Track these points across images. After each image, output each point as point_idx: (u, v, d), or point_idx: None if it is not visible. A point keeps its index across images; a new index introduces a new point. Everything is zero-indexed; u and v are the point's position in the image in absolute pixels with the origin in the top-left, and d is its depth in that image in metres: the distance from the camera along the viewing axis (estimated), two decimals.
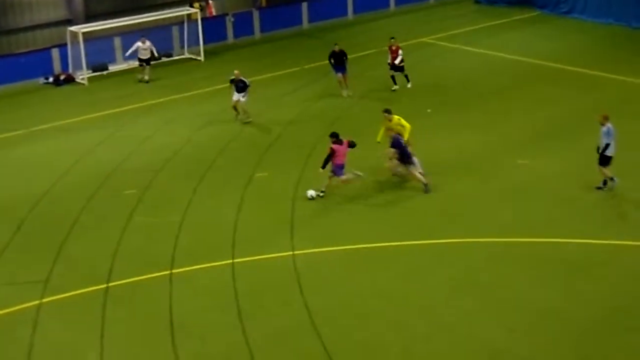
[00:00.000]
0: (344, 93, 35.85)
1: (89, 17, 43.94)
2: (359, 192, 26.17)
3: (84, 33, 39.74)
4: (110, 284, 21.51)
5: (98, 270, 22.20)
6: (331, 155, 25.45)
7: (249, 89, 32.87)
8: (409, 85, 36.47)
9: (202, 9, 45.31)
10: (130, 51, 39.90)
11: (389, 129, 27.03)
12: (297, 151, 29.59)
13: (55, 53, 41.06)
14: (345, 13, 50.31)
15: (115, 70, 41.57)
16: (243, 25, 46.28)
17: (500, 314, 19.63)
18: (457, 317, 19.51)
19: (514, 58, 40.64)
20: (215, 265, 22.24)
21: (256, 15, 47.00)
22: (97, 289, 21.28)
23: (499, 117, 32.80)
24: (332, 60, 35.91)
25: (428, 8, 52.55)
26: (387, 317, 19.65)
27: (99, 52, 41.06)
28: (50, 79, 40.40)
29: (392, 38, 36.76)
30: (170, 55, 43.57)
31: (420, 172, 26.21)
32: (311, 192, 25.80)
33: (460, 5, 52.38)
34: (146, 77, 39.60)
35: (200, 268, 22.20)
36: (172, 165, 29.04)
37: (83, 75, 40.06)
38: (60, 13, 44.39)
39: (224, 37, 45.79)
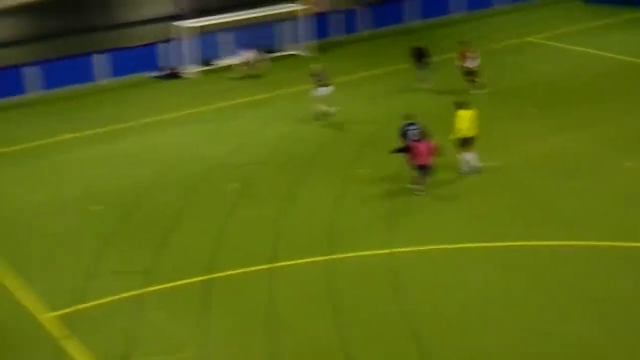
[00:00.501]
0: (424, 85, 36.25)
1: (199, 12, 44.71)
2: (458, 191, 26.08)
3: (192, 28, 40.47)
4: (212, 276, 21.93)
5: (200, 261, 22.65)
6: (407, 148, 25.48)
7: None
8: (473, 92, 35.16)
9: (310, 5, 45.60)
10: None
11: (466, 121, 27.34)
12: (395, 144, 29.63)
13: (164, 47, 41.94)
14: (448, 11, 50.12)
15: (222, 65, 42.20)
16: (349, 22, 46.45)
17: (601, 317, 19.31)
18: (554, 320, 19.27)
19: (621, 58, 39.84)
20: (313, 261, 22.45)
21: (361, 12, 47.09)
22: (198, 280, 21.72)
23: (606, 117, 32.17)
24: (414, 56, 36.39)
25: (533, 7, 51.82)
26: (482, 318, 19.54)
27: (207, 47, 41.73)
28: (159, 73, 41.29)
29: (462, 42, 36.30)
30: (277, 51, 43.96)
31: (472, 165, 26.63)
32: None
33: (567, 4, 51.54)
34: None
35: (299, 262, 22.45)
36: (274, 160, 29.38)
37: (190, 70, 40.79)
38: (170, 8, 45.31)
39: (331, 34, 46.02)
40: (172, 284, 21.67)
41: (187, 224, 25.07)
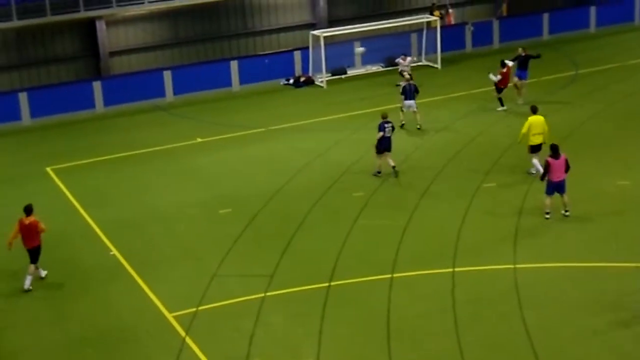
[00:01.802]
0: (519, 101, 35.47)
1: (332, 22, 45.18)
2: (587, 210, 25.46)
3: (325, 37, 40.85)
4: (333, 283, 22.05)
5: (322, 268, 22.81)
6: (546, 168, 24.82)
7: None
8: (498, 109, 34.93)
9: (442, 17, 45.52)
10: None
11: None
12: (528, 163, 29.22)
13: (297, 55, 42.47)
14: (587, 25, 48.91)
15: (354, 75, 42.42)
16: (482, 35, 46.02)
17: None
18: None
19: None
20: (435, 273, 22.32)
21: (496, 24, 46.65)
22: (319, 287, 21.86)
23: None
24: (517, 63, 35.94)
25: None
26: (604, 338, 19.05)
27: (339, 56, 42.03)
28: (291, 81, 41.82)
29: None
30: None
31: None
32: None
33: None
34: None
35: (421, 274, 22.36)
36: (401, 170, 29.32)
37: (322, 78, 41.17)
38: (305, 17, 45.92)
39: (463, 46, 45.74)
40: (293, 289, 21.89)
41: (312, 230, 25.29)
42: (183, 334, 19.99)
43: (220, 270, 23.01)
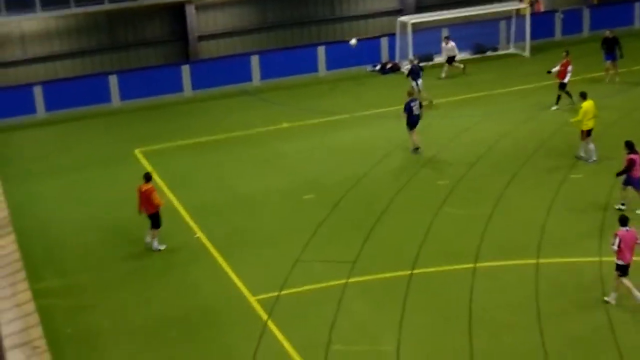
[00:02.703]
0: (615, 79, 36.14)
1: (419, 8, 44.95)
2: None
3: (413, 23, 40.66)
4: (415, 271, 22.02)
5: (404, 256, 22.79)
6: (630, 166, 24.33)
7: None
8: (553, 108, 33.78)
9: (531, 4, 44.93)
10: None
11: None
12: (615, 155, 28.71)
13: (384, 42, 42.37)
14: None
15: (441, 62, 42.16)
16: (572, 22, 45.28)
17: None
18: None
19: None
20: (519, 264, 22.12)
21: (586, 12, 45.85)
22: (401, 275, 21.85)
23: None
24: (604, 47, 36.31)
25: None
26: None
27: (426, 43, 41.79)
28: (377, 67, 41.76)
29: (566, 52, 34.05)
30: (495, 49, 43.64)
31: None
32: None
33: None
34: (443, 75, 39.93)
35: (504, 265, 22.18)
36: (487, 159, 29.11)
37: (408, 65, 40.93)
38: (392, 3, 45.79)
39: (552, 34, 45.08)
40: (376, 276, 21.93)
41: (396, 218, 25.26)
42: (265, 317, 20.19)
43: (303, 256, 23.16)
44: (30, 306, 9.30)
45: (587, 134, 28.10)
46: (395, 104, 35.77)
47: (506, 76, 39.32)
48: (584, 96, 28.38)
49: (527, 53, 42.62)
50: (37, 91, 37.59)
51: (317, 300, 20.95)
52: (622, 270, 19.78)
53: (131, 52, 41.83)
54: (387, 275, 21.92)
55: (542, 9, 47.13)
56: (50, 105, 37.58)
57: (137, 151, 32.11)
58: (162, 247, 24.13)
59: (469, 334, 19.12)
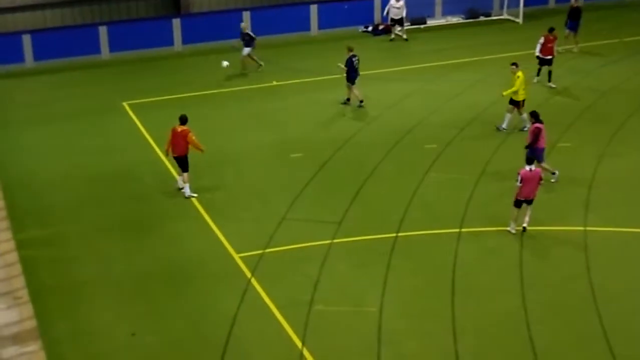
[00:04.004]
0: (574, 49, 36.13)
1: None
2: None
3: None
4: (399, 234, 22.05)
5: (390, 219, 22.81)
6: (537, 135, 24.28)
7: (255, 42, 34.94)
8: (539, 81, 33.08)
9: None
10: (385, 11, 40.23)
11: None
12: (605, 125, 28.74)
13: (377, 2, 42.07)
14: None
15: (433, 25, 41.95)
16: None
17: None
18: None
19: None
20: (502, 230, 22.15)
21: None
22: (386, 237, 21.89)
23: None
24: (569, 16, 36.66)
25: None
26: None
27: (420, 6, 41.49)
28: (369, 28, 41.52)
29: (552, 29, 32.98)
30: (488, 15, 43.40)
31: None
32: None
33: None
34: (404, 36, 39.74)
35: (488, 230, 22.23)
36: (476, 123, 29.06)
37: (400, 28, 40.76)
38: None
39: (545, 1, 44.84)
40: (360, 237, 21.95)
41: (382, 180, 25.24)
42: (249, 275, 20.21)
43: (289, 214, 23.14)
44: (13, 256, 9.14)
45: (522, 103, 28.21)
46: (385, 67, 35.77)
47: (498, 42, 39.14)
48: (516, 65, 28.38)
49: (520, 20, 42.44)
50: (26, 40, 37.20)
51: (301, 260, 20.98)
52: (517, 204, 21.76)
53: (121, 3, 41.30)
54: (372, 237, 21.95)
55: None
56: (38, 55, 37.22)
57: (125, 104, 31.88)
58: (195, 195, 24.31)
59: (452, 298, 19.22)
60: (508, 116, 28.38)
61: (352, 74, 30.82)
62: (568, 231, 22.10)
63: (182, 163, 24.30)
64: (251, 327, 18.41)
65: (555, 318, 18.52)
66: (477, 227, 22.32)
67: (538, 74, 33.06)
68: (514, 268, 20.37)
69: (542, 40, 32.72)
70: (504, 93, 28.28)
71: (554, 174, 24.71)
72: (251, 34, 35.23)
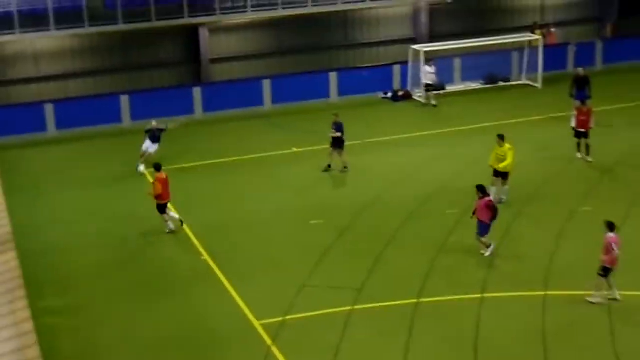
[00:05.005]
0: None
1: (433, 37, 44.95)
2: None
3: (425, 52, 40.65)
4: (421, 300, 21.87)
5: (411, 284, 22.64)
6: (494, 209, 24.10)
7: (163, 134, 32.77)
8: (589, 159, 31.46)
9: (544, 36, 44.79)
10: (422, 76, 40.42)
11: (497, 155, 27.58)
12: (626, 188, 28.59)
13: (396, 70, 42.34)
14: None
15: (453, 91, 42.12)
16: (585, 55, 45.06)
17: None
18: None
19: None
20: (527, 295, 21.95)
21: (600, 45, 45.79)
22: (407, 303, 21.71)
23: None
24: (575, 86, 35.50)
25: None
26: None
27: (439, 72, 41.71)
28: (389, 94, 41.73)
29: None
30: (507, 80, 43.56)
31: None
32: None
33: None
34: (433, 102, 39.92)
35: (512, 296, 22.01)
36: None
37: (421, 94, 40.95)
38: (406, 31, 45.79)
39: (564, 66, 44.94)
40: (381, 303, 21.79)
41: (403, 246, 25.12)
42: (269, 342, 20.06)
43: (309, 281, 23.04)
44: (28, 325, 9.10)
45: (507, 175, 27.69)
46: (407, 132, 35.85)
47: (518, 106, 39.18)
48: (503, 138, 27.59)
49: (539, 84, 42.54)
50: (49, 109, 37.63)
51: (322, 327, 20.81)
52: (606, 272, 21.52)
53: (144, 73, 41.86)
54: (394, 303, 21.78)
55: (555, 41, 47.06)
56: (61, 124, 37.59)
57: (146, 171, 31.98)
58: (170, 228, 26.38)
59: None
60: (494, 189, 27.45)
61: (339, 140, 31.34)
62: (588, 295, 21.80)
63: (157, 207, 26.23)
64: None
65: None
66: (499, 292, 22.09)
67: (578, 149, 31.63)
68: (537, 335, 20.06)
69: (575, 112, 31.75)
70: (501, 166, 27.43)
71: (489, 247, 24.22)
72: (161, 128, 32.93)
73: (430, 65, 40.21)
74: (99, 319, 21.65)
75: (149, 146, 32.37)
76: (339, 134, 31.17)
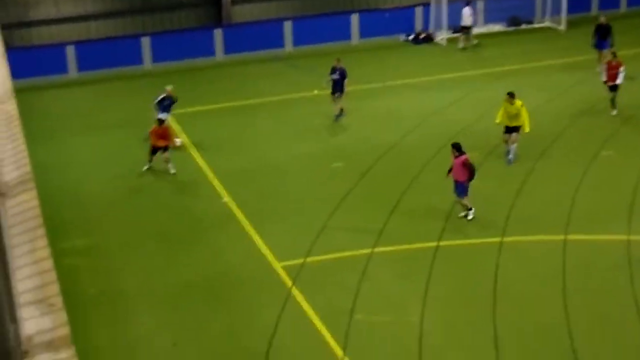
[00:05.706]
0: (598, 68, 32.54)
1: None
2: None
3: None
4: (441, 243, 21.92)
5: (431, 227, 22.68)
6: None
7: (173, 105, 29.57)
8: (613, 112, 30.29)
9: None
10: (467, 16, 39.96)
11: (508, 112, 26.47)
12: None
13: (418, 11, 42.00)
14: None
15: (475, 34, 41.76)
16: None
17: None
18: None
19: None
20: (546, 239, 21.97)
21: None
22: (427, 246, 21.77)
23: None
24: (597, 34, 34.76)
25: None
26: None
27: (461, 14, 41.34)
28: (411, 37, 41.45)
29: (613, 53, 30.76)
30: (531, 23, 43.14)
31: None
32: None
33: None
34: (461, 45, 39.70)
35: (532, 240, 22.04)
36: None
37: (442, 36, 40.65)
38: None
39: (588, 8, 44.43)
40: (401, 246, 21.86)
41: (424, 189, 25.11)
42: (290, 284, 20.19)
43: (330, 224, 23.10)
44: (48, 263, 9.18)
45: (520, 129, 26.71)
46: (428, 75, 35.66)
47: (540, 50, 38.86)
48: (513, 96, 26.50)
49: (563, 27, 42.11)
50: (70, 51, 37.64)
51: (342, 269, 20.92)
52: None
53: (164, 14, 41.63)
54: (414, 246, 21.84)
55: None
56: (82, 66, 37.63)
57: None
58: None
59: (494, 308, 19.03)
60: (513, 147, 26.79)
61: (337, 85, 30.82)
62: (612, 240, 21.79)
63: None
64: (292, 337, 18.38)
65: (598, 330, 18.28)
66: (519, 236, 22.11)
67: (612, 104, 30.33)
68: (557, 278, 20.10)
69: (605, 66, 30.59)
70: (517, 124, 26.43)
71: (470, 209, 23.17)
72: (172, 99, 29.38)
73: (469, 7, 39.77)
74: (120, 263, 21.84)
75: (161, 115, 28.32)
76: (335, 77, 30.67)
